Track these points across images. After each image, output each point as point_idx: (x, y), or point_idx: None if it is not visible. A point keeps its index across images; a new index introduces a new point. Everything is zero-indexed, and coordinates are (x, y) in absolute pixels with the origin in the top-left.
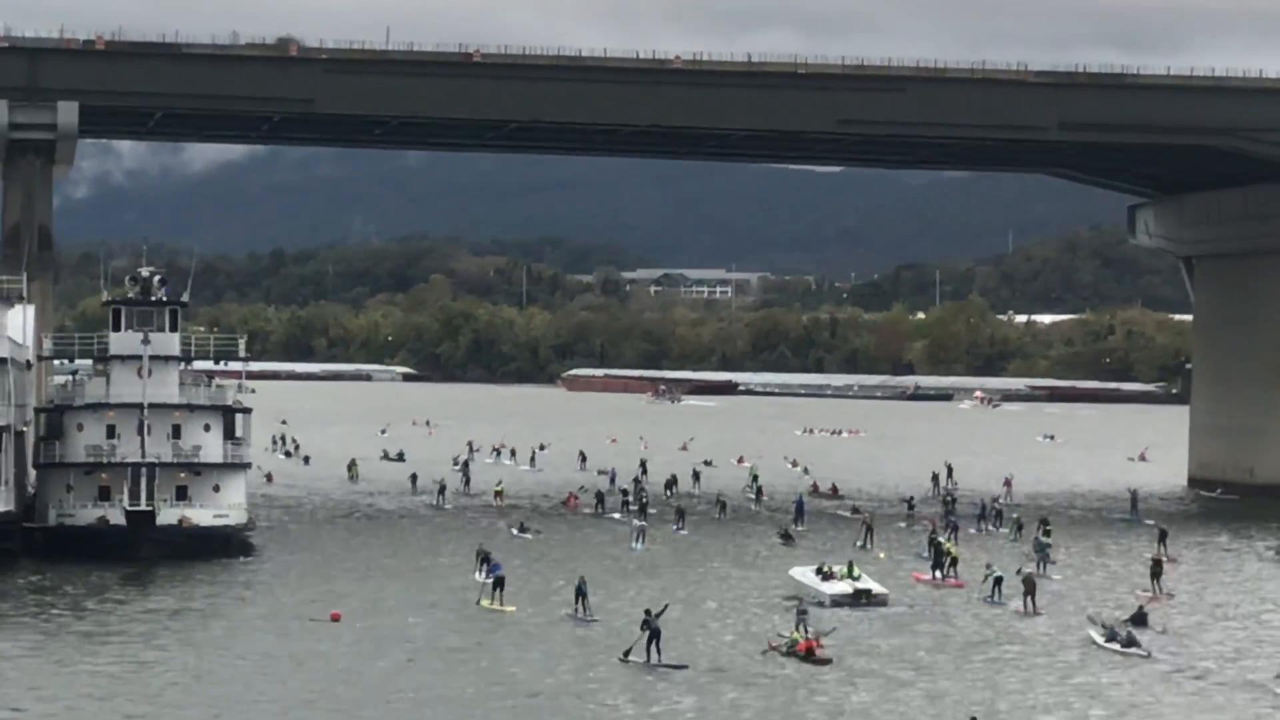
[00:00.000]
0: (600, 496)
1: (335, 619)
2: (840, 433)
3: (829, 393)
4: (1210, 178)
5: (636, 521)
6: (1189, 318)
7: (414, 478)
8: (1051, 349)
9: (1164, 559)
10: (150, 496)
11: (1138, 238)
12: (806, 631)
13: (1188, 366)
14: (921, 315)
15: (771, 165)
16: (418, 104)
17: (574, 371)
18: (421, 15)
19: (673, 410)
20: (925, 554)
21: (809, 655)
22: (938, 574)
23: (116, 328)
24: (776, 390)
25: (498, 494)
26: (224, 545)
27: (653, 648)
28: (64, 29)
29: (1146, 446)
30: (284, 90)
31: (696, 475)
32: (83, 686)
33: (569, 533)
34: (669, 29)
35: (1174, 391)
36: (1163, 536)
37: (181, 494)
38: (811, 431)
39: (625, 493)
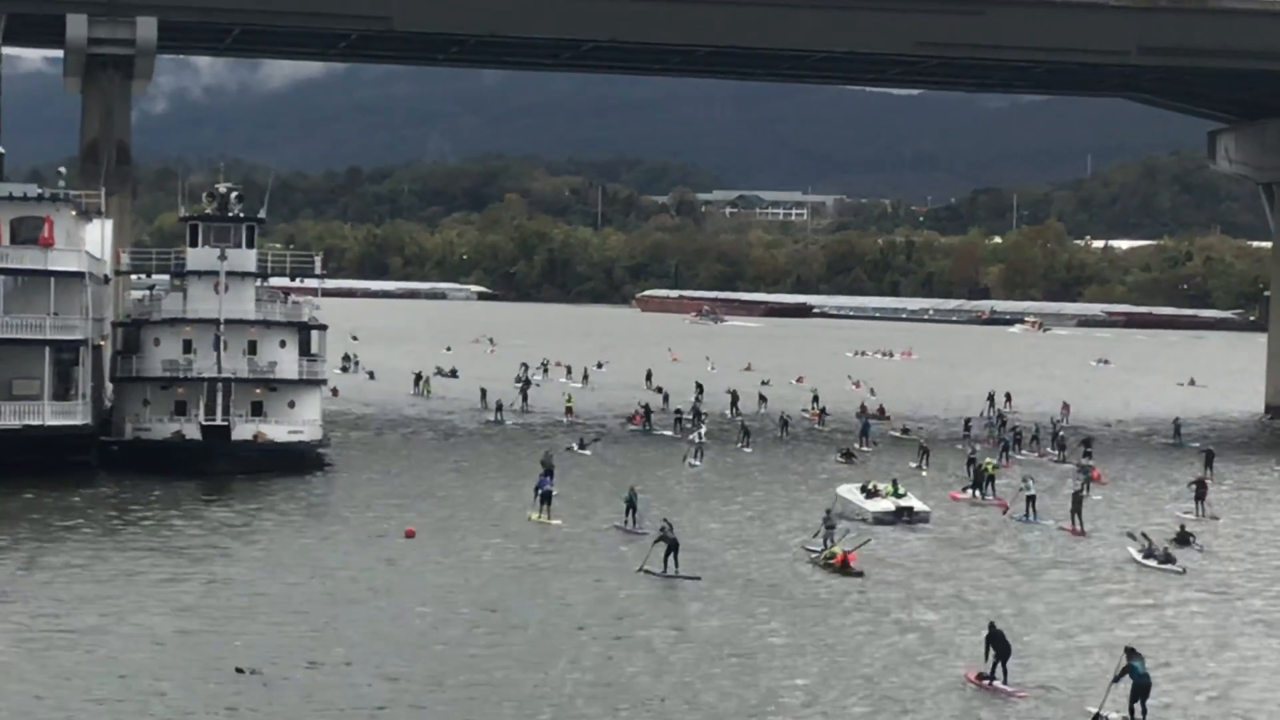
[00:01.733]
0: (648, 412)
1: (410, 535)
2: (891, 355)
3: (904, 316)
4: None
5: (694, 438)
6: (1268, 245)
7: (484, 392)
8: (1129, 275)
9: (1208, 481)
10: (226, 412)
11: (1217, 163)
12: (834, 544)
13: (1266, 294)
14: (998, 239)
15: (849, 87)
16: (495, 22)
17: (648, 292)
18: None
19: (716, 331)
20: (965, 473)
21: (844, 567)
22: (976, 493)
23: (194, 243)
24: (851, 313)
25: (568, 410)
26: (298, 461)
27: (670, 559)
28: None
29: (1194, 374)
30: (362, 7)
31: (763, 396)
32: (145, 600)
33: (628, 449)
34: None
35: (1252, 319)
36: (1209, 459)
37: (257, 410)
38: (863, 353)
39: (678, 411)
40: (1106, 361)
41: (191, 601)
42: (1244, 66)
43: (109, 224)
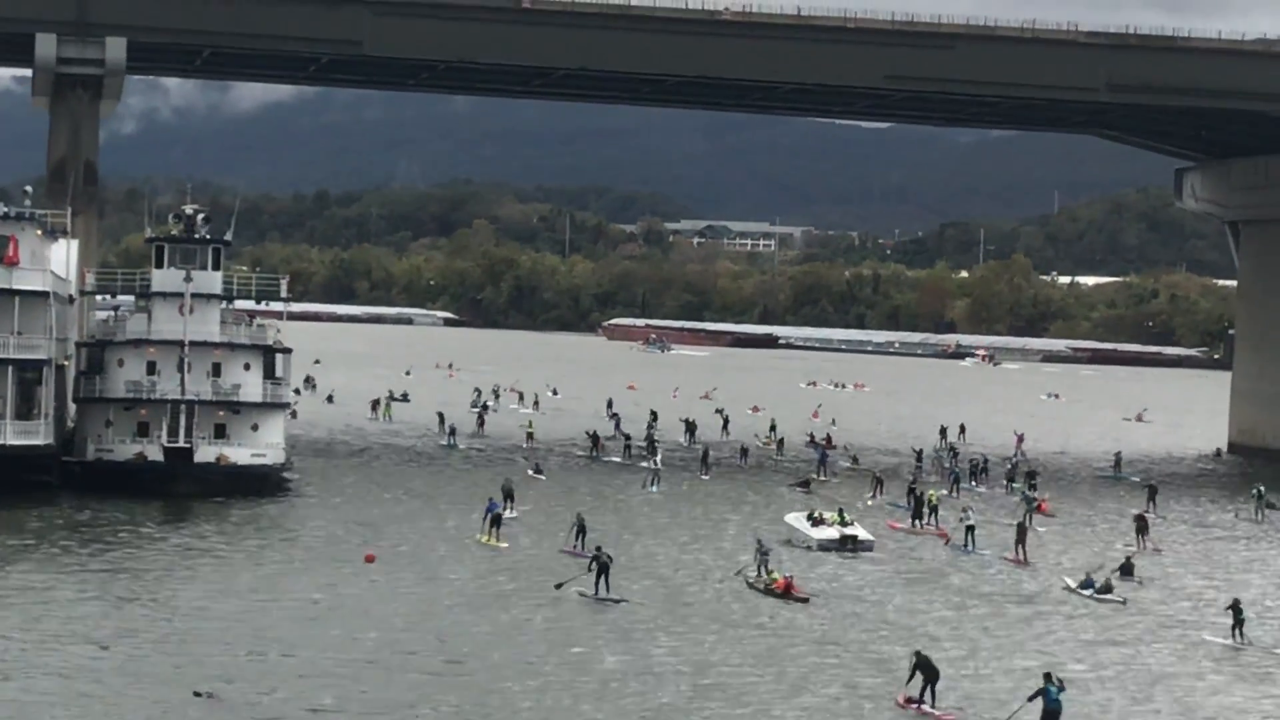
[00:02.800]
0: (596, 439)
1: (370, 560)
2: (844, 386)
3: (869, 349)
4: (1258, 142)
5: (649, 465)
6: (1233, 283)
7: (441, 417)
8: (1094, 311)
9: (1149, 515)
10: (189, 434)
11: (1184, 201)
12: (769, 571)
13: (1230, 332)
14: (964, 274)
15: (818, 119)
16: (466, 49)
17: (615, 321)
18: None
19: (664, 359)
20: (904, 504)
21: (786, 593)
22: (918, 523)
23: (159, 265)
24: (817, 345)
25: (529, 435)
26: (261, 484)
27: (601, 582)
28: None
29: (1144, 408)
30: (333, 31)
31: (725, 423)
32: (103, 622)
33: (585, 475)
34: None
35: (1216, 357)
36: (1152, 494)
37: (220, 432)
38: (815, 384)
39: (628, 437)
40: (1056, 396)
41: (149, 624)
42: (1211, 105)
43: (74, 244)
